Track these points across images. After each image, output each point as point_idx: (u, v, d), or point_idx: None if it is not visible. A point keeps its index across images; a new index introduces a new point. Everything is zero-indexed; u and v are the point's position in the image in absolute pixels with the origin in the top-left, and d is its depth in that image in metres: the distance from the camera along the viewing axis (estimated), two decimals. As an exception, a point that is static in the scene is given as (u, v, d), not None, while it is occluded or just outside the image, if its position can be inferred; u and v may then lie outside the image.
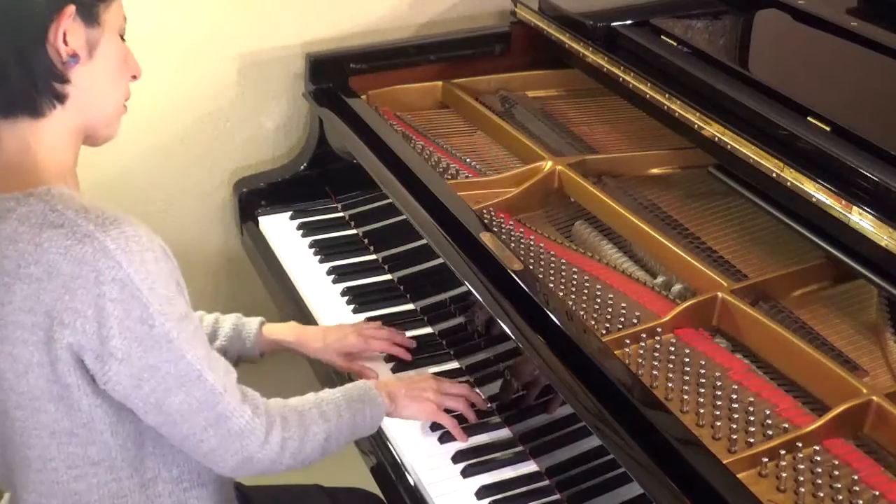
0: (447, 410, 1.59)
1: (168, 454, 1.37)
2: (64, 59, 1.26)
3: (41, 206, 1.24)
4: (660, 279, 1.69)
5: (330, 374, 1.76)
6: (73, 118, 1.31)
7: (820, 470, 1.33)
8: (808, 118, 1.60)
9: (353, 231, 2.10)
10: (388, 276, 1.97)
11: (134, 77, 1.38)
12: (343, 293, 1.92)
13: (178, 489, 1.39)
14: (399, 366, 1.74)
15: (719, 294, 1.57)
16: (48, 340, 1.23)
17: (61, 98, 1.28)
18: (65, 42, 1.25)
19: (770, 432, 1.38)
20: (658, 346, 1.52)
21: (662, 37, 1.92)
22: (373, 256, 2.02)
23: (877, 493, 1.30)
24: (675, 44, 1.89)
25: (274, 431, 1.36)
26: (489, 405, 1.63)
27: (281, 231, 2.13)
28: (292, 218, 2.16)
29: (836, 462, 1.34)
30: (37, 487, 1.34)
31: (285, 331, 1.73)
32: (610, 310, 1.60)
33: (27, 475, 1.34)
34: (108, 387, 1.26)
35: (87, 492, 1.34)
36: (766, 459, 1.33)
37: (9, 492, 1.45)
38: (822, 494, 1.30)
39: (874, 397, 1.37)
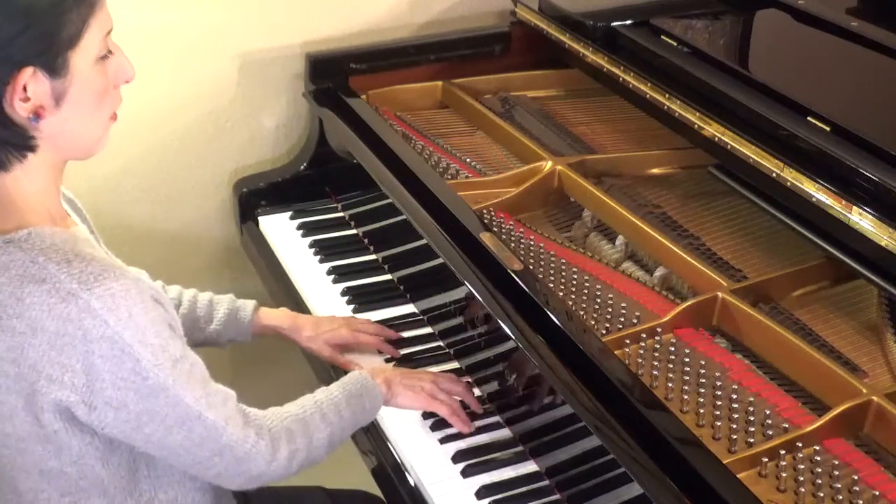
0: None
1: (163, 476, 1.36)
2: (26, 116, 1.18)
3: (21, 257, 1.19)
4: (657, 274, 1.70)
5: (330, 374, 1.76)
6: (49, 159, 1.25)
7: (820, 470, 1.33)
8: (808, 118, 1.60)
9: (353, 231, 2.10)
10: (388, 276, 1.97)
11: (126, 81, 1.29)
12: (343, 293, 1.92)
13: None
14: (399, 366, 1.73)
15: (719, 294, 1.57)
16: (32, 392, 1.21)
17: (31, 149, 1.22)
18: (24, 99, 1.16)
19: (770, 432, 1.38)
20: (658, 346, 1.52)
21: (662, 37, 1.92)
22: (373, 256, 2.02)
23: (877, 493, 1.30)
24: (675, 44, 1.89)
25: (280, 448, 1.36)
26: (486, 406, 1.63)
27: (281, 231, 2.13)
28: (292, 218, 2.15)
29: (836, 462, 1.34)
30: None
31: (279, 316, 1.74)
32: (610, 310, 1.60)
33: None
34: (106, 431, 1.25)
35: None
36: (766, 459, 1.33)
37: None
38: (822, 494, 1.30)
39: (874, 397, 1.37)
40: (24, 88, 1.16)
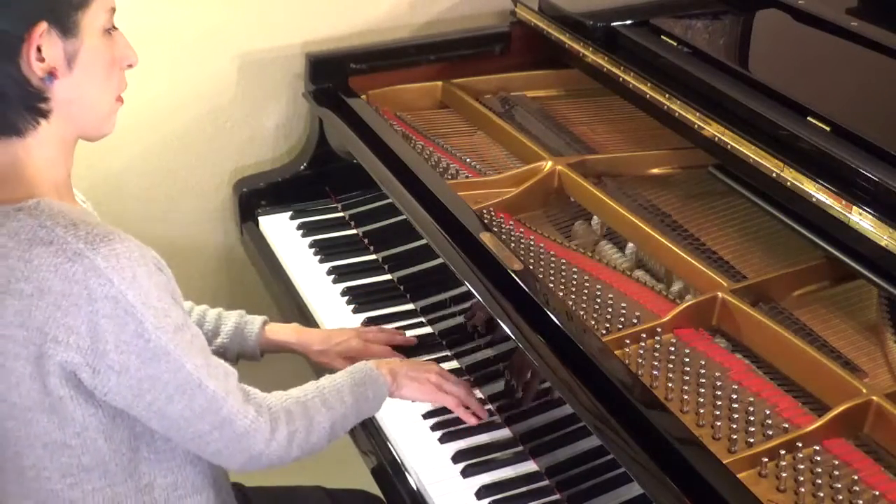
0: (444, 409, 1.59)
1: (163, 460, 1.36)
2: (40, 76, 1.22)
3: (30, 222, 1.22)
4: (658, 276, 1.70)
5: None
6: (61, 129, 1.28)
7: (820, 470, 1.33)
8: (808, 118, 1.60)
9: (353, 231, 2.10)
10: (388, 276, 1.97)
11: (130, 66, 1.33)
12: (343, 293, 1.92)
13: (174, 496, 1.38)
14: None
15: (719, 294, 1.57)
16: (39, 356, 1.22)
17: (44, 114, 1.25)
18: (40, 59, 1.21)
19: (770, 432, 1.38)
20: (658, 346, 1.52)
21: (662, 37, 1.92)
22: (373, 256, 2.02)
23: (877, 493, 1.30)
24: (675, 44, 1.89)
25: (279, 427, 1.36)
26: (486, 406, 1.63)
27: (281, 231, 2.13)
28: (292, 218, 2.16)
29: (836, 462, 1.34)
30: (34, 496, 1.34)
31: (288, 332, 1.73)
32: (610, 310, 1.60)
33: (22, 483, 1.34)
34: (109, 397, 1.26)
35: (82, 499, 1.33)
36: (766, 459, 1.33)
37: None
38: (822, 494, 1.30)
39: (874, 397, 1.37)
40: (39, 49, 1.20)
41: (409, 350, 1.75)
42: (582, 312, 1.60)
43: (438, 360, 1.74)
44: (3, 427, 1.30)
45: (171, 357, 1.25)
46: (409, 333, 1.79)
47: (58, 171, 1.30)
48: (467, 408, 1.61)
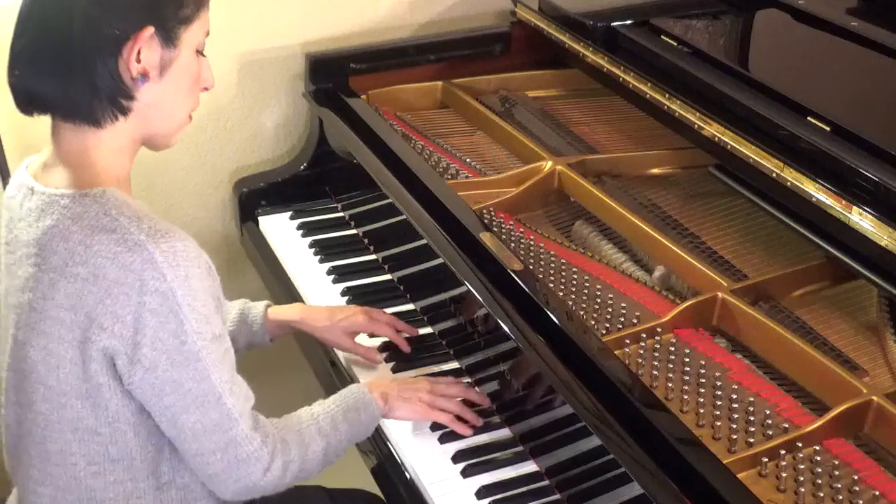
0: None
1: (183, 461, 1.38)
2: (133, 76, 1.27)
3: (95, 208, 1.26)
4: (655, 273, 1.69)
5: (333, 380, 1.76)
6: (134, 129, 1.32)
7: (820, 470, 1.33)
8: (808, 118, 1.60)
9: (353, 231, 2.10)
10: (388, 276, 1.97)
11: (206, 88, 1.39)
12: (343, 293, 1.92)
13: (189, 497, 1.40)
14: (399, 366, 1.74)
15: (719, 294, 1.57)
16: (84, 340, 1.25)
17: (124, 111, 1.30)
18: (137, 60, 1.26)
19: (770, 432, 1.38)
20: (658, 346, 1.52)
21: (662, 37, 1.92)
22: (373, 256, 2.02)
23: (877, 493, 1.30)
24: (675, 44, 1.89)
25: (276, 459, 1.37)
26: (491, 406, 1.63)
27: (281, 231, 2.13)
28: (292, 218, 2.16)
29: (836, 462, 1.34)
30: (54, 481, 1.35)
31: (292, 311, 1.74)
32: (610, 310, 1.60)
33: (45, 469, 1.35)
34: (132, 388, 1.28)
35: (103, 489, 1.35)
36: (766, 459, 1.33)
37: (16, 486, 1.45)
38: (822, 494, 1.30)
39: (874, 397, 1.37)
40: (139, 51, 1.26)
41: (410, 349, 1.75)
42: (582, 312, 1.60)
43: (438, 360, 1.74)
44: (34, 410, 1.32)
45: (200, 364, 1.27)
46: (409, 333, 1.80)
47: (122, 166, 1.34)
48: (471, 408, 1.61)
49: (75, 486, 1.35)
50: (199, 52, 1.35)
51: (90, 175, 1.30)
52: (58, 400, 1.30)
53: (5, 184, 1.99)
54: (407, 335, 1.77)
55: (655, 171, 1.96)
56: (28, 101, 1.30)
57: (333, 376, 1.76)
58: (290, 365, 1.82)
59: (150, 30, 1.26)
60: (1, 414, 1.42)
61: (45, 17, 1.26)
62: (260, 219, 2.17)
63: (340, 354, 1.78)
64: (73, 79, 1.25)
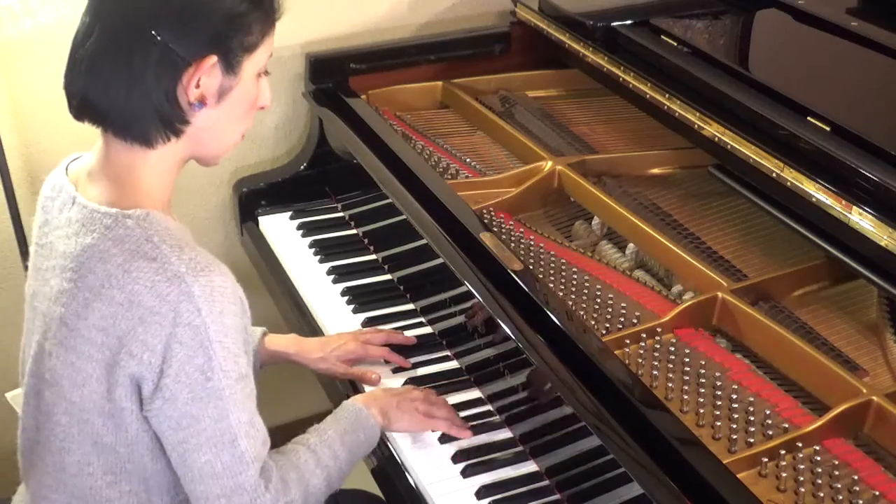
0: None
1: None
2: (191, 101, 1.26)
3: (138, 233, 1.25)
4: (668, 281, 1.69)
5: (336, 387, 1.76)
6: (184, 149, 1.32)
7: (820, 470, 1.33)
8: (808, 118, 1.60)
9: (353, 231, 2.10)
10: (388, 276, 1.97)
11: (262, 107, 1.37)
12: (343, 293, 1.92)
13: None
14: (400, 368, 1.74)
15: (719, 294, 1.57)
16: (113, 363, 1.25)
17: (177, 134, 1.29)
18: (196, 86, 1.25)
19: (770, 432, 1.38)
20: (658, 346, 1.52)
21: (662, 37, 1.92)
22: (373, 256, 2.02)
23: (877, 493, 1.30)
24: (675, 44, 1.89)
25: (279, 502, 1.34)
26: (487, 406, 1.63)
27: (281, 231, 2.13)
28: (292, 218, 2.16)
29: (836, 462, 1.34)
30: (68, 490, 1.35)
31: (286, 343, 1.73)
32: (610, 310, 1.60)
33: (61, 477, 1.35)
34: (149, 415, 1.27)
35: (118, 498, 1.34)
36: (766, 459, 1.33)
37: (28, 489, 1.44)
38: (822, 494, 1.30)
39: (874, 397, 1.37)
40: (199, 79, 1.24)
41: (409, 350, 1.75)
42: (582, 312, 1.60)
43: (438, 360, 1.74)
44: (53, 421, 1.32)
45: (221, 403, 1.25)
46: (409, 333, 1.79)
47: (166, 186, 1.33)
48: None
49: (90, 495, 1.34)
50: (261, 74, 1.34)
51: (133, 194, 1.29)
52: (80, 415, 1.29)
53: (6, 184, 1.99)
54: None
55: (655, 171, 1.96)
56: (81, 109, 1.28)
57: (339, 387, 1.76)
58: (294, 371, 1.82)
59: (214, 59, 1.24)
60: (19, 415, 1.41)
61: (112, 30, 1.24)
62: (260, 219, 2.17)
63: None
64: (130, 97, 1.24)
